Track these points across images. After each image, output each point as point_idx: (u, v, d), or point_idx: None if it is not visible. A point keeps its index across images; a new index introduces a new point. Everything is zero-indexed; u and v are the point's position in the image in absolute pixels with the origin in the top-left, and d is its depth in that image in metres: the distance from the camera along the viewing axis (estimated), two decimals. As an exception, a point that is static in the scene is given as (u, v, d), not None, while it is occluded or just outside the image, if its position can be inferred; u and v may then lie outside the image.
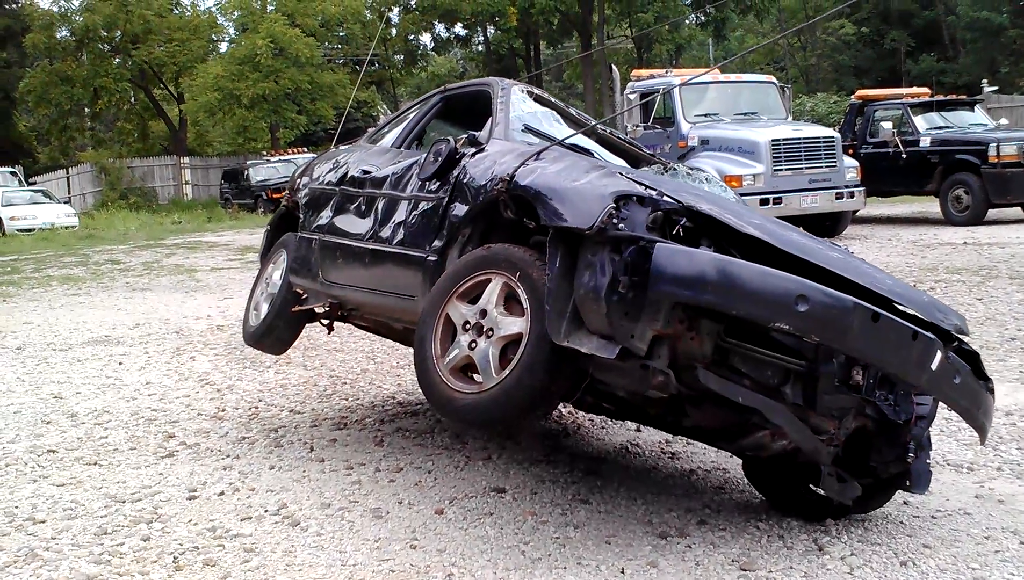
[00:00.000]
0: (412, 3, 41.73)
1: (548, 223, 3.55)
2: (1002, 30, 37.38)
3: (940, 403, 3.72)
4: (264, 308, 5.92)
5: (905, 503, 4.15)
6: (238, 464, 5.06)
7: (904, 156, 16.40)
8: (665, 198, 3.39)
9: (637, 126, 14.79)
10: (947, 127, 16.65)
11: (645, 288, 3.18)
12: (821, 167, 14.27)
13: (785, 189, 13.88)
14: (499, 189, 3.91)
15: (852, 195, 14.56)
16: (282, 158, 32.57)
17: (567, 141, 4.38)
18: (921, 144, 16.27)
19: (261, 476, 4.84)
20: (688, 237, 3.33)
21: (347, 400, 6.45)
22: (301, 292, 5.62)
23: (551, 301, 3.42)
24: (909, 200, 19.32)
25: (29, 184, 34.71)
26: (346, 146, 6.38)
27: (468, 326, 3.78)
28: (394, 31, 41.93)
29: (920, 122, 16.62)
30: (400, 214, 4.70)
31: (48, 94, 39.30)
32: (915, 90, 19.53)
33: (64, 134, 43.16)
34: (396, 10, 43.19)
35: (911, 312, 3.44)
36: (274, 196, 27.80)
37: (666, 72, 17.47)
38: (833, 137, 14.81)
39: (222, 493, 4.59)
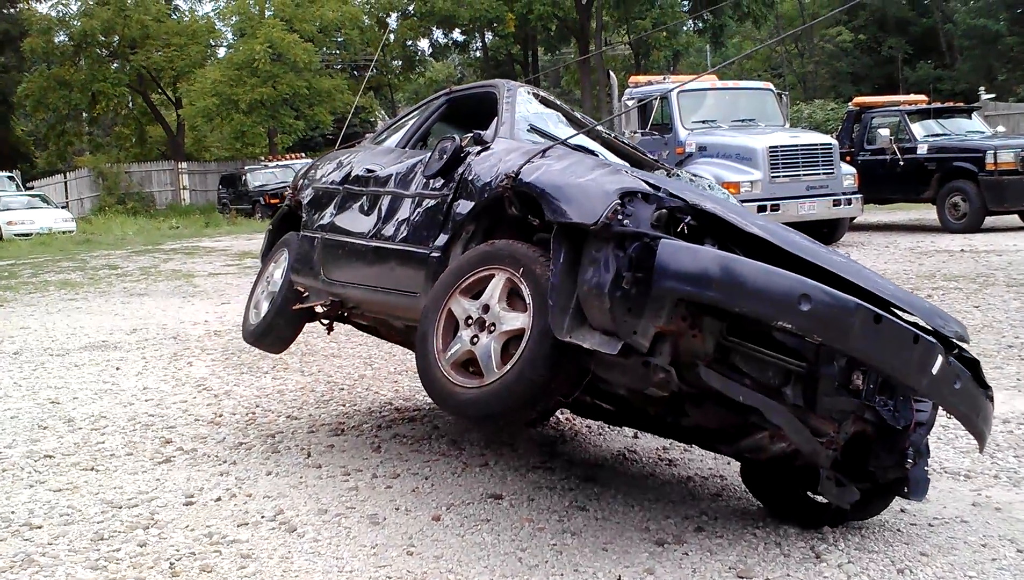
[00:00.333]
0: (410, 9, 41.77)
1: (553, 219, 3.57)
2: (999, 37, 37.45)
3: (939, 410, 3.73)
4: (264, 306, 5.92)
5: (902, 511, 4.15)
6: (235, 470, 5.06)
7: (901, 163, 16.44)
8: (670, 196, 3.41)
9: (635, 132, 14.82)
10: (944, 134, 16.68)
11: (649, 284, 3.20)
12: (819, 174, 14.30)
13: (783, 196, 13.90)
14: (504, 185, 3.92)
15: (849, 202, 14.59)
16: (280, 163, 32.62)
17: (572, 140, 4.39)
18: (918, 151, 16.31)
19: (258, 482, 4.84)
20: (692, 235, 3.34)
21: (344, 406, 6.45)
22: (302, 290, 5.63)
23: (554, 296, 3.43)
24: (906, 207, 19.35)
25: (27, 189, 34.65)
26: (349, 147, 6.39)
27: (471, 321, 3.79)
28: (392, 37, 41.96)
29: (917, 129, 16.65)
30: (404, 212, 4.72)
31: (46, 99, 39.35)
32: (912, 97, 19.57)
33: (62, 139, 43.19)
34: (394, 16, 43.26)
35: (912, 317, 3.46)
36: (272, 201, 27.84)
37: (664, 78, 17.52)
38: (830, 144, 14.83)
39: (219, 499, 4.58)
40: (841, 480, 3.71)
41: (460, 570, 3.66)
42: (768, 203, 13.56)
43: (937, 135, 16.63)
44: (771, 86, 16.98)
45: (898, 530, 3.95)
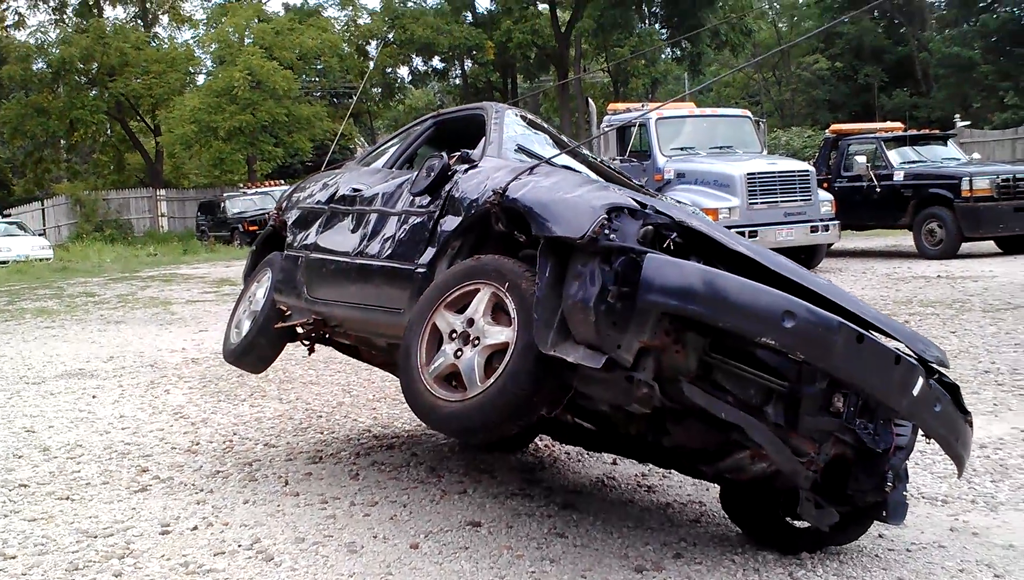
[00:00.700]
0: (390, 37, 41.91)
1: (540, 233, 3.58)
2: (974, 66, 37.86)
3: (918, 435, 3.74)
4: (246, 326, 5.90)
5: (880, 536, 4.15)
6: (212, 498, 5.02)
7: (878, 190, 16.58)
8: (656, 213, 3.44)
9: (614, 159, 14.87)
10: (920, 161, 16.84)
11: (634, 299, 3.21)
12: (796, 200, 14.40)
13: (760, 222, 13.99)
14: (492, 201, 3.94)
15: (827, 228, 14.71)
16: (259, 190, 32.61)
17: (559, 159, 4.42)
18: (895, 178, 16.46)
19: (235, 510, 4.80)
20: (678, 252, 3.37)
21: (322, 434, 6.41)
22: (285, 309, 5.61)
23: (539, 310, 3.44)
24: (883, 233, 19.49)
25: (3, 216, 34.57)
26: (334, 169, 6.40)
27: (455, 335, 3.79)
28: (372, 64, 42.07)
29: (894, 156, 16.81)
30: (390, 229, 4.74)
31: (23, 126, 39.22)
32: (888, 125, 19.78)
33: (39, 166, 43.06)
34: (374, 44, 43.38)
35: (894, 342, 3.48)
36: (251, 228, 27.79)
37: (642, 106, 17.61)
38: (808, 171, 14.95)
39: (195, 528, 4.54)
40: (820, 502, 3.71)
41: (438, 598, 3.64)
42: (746, 229, 13.61)
43: (913, 162, 16.79)
44: (749, 113, 17.12)
45: (876, 556, 3.96)
